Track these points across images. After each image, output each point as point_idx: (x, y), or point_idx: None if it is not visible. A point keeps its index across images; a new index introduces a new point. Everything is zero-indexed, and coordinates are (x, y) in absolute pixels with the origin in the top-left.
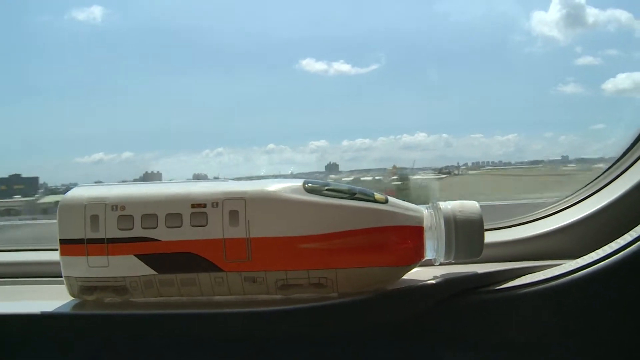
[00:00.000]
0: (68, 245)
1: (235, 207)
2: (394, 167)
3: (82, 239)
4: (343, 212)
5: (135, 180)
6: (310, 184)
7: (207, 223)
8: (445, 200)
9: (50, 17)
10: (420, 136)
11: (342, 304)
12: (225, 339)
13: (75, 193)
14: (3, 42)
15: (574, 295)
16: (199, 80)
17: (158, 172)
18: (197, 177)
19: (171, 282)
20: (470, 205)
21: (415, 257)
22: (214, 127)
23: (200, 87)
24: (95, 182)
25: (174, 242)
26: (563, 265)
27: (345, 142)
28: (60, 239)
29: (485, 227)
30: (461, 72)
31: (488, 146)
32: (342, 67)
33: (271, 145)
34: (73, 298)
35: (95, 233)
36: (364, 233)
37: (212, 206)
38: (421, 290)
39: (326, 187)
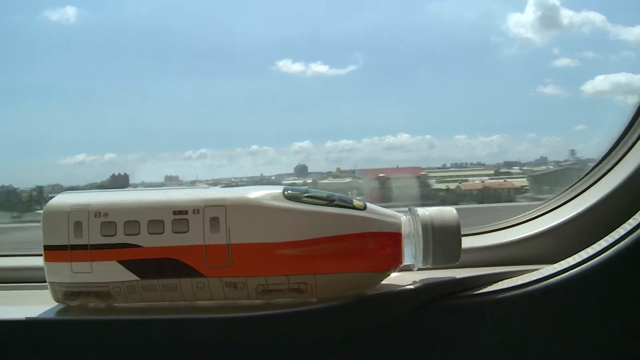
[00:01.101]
0: (52, 251)
1: (215, 214)
2: (338, 169)
3: (66, 245)
4: (322, 219)
5: (102, 182)
6: (289, 191)
7: (188, 230)
8: (424, 207)
9: (23, 17)
10: (404, 137)
11: (320, 310)
12: (206, 344)
13: (59, 200)
14: None
15: (551, 300)
16: (177, 81)
17: (125, 174)
18: (169, 179)
19: (153, 287)
20: (447, 212)
21: (394, 262)
22: (196, 128)
23: (179, 88)
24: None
25: (156, 249)
26: (540, 270)
27: (329, 143)
28: (44, 245)
29: (464, 233)
30: (440, 73)
31: (472, 147)
32: (320, 68)
33: (254, 147)
34: (57, 303)
35: (78, 239)
36: (342, 239)
37: (193, 213)
38: (400, 295)
39: (305, 195)
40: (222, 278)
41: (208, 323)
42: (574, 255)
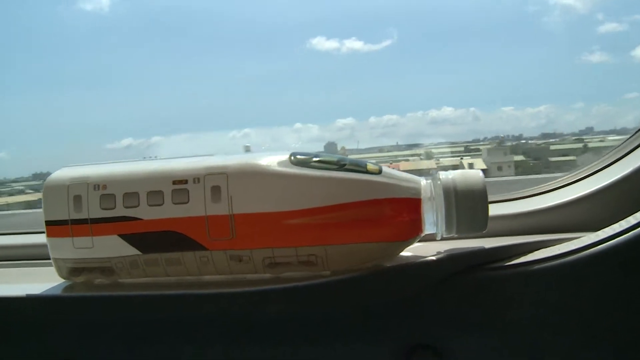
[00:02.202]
0: (53, 226)
1: (217, 182)
2: (343, 148)
3: (67, 220)
4: (331, 185)
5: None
6: (296, 156)
7: (188, 200)
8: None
9: (62, 7)
10: (448, 110)
11: (331, 282)
12: (212, 319)
13: (59, 174)
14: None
15: (595, 271)
16: (216, 62)
17: (156, 157)
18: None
19: (156, 262)
20: (472, 175)
21: (413, 231)
22: (239, 108)
23: (219, 69)
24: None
25: (156, 221)
26: (582, 238)
27: (372, 119)
28: (45, 221)
29: (495, 199)
30: (481, 45)
31: (518, 119)
32: (355, 44)
33: (298, 125)
34: (64, 280)
35: (78, 213)
36: (354, 207)
37: (194, 182)
38: (421, 267)
39: (314, 159)
40: (226, 251)
41: (212, 298)
42: (620, 222)
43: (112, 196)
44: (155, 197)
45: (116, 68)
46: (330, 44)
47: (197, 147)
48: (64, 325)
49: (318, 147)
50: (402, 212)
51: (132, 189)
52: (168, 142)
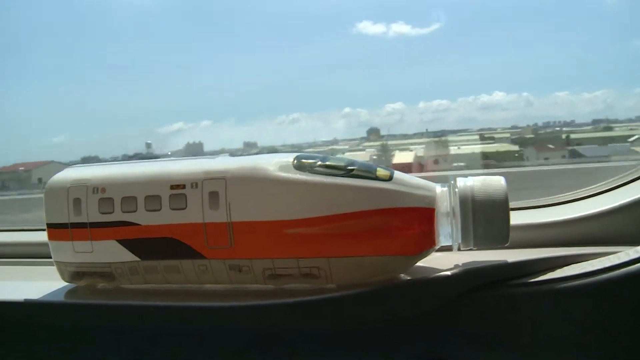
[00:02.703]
0: (54, 229)
1: (215, 187)
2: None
3: (67, 224)
4: (336, 192)
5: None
6: (300, 160)
7: (186, 206)
8: (466, 176)
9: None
10: (499, 95)
11: (338, 298)
12: (215, 332)
13: (61, 176)
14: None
15: (634, 291)
16: (264, 48)
17: (200, 142)
18: (248, 146)
19: (155, 269)
20: (492, 182)
21: (425, 244)
22: (288, 93)
23: (266, 55)
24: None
25: (153, 227)
26: (618, 253)
27: (421, 104)
28: (47, 223)
29: (519, 206)
30: (533, 27)
31: (573, 104)
32: (402, 28)
33: (347, 109)
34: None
35: (78, 217)
36: (360, 217)
37: (192, 187)
38: (435, 282)
39: (319, 163)
40: (224, 260)
41: (213, 311)
42: None
43: (111, 200)
44: (153, 202)
45: (167, 53)
46: (378, 28)
47: (245, 133)
48: (60, 331)
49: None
50: (413, 224)
51: (130, 193)
52: (217, 127)
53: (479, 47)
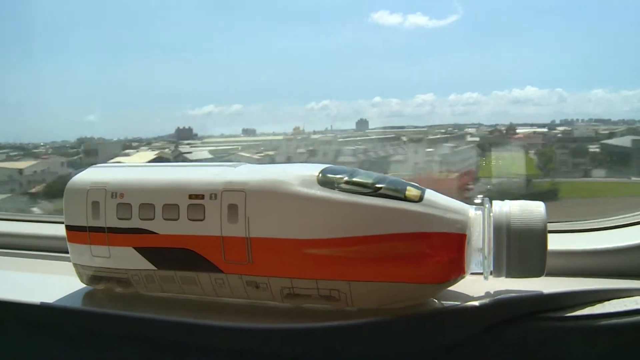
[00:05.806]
0: (73, 232)
1: (234, 200)
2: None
3: (85, 227)
4: (360, 213)
5: (169, 135)
6: (326, 174)
7: (204, 217)
8: (505, 199)
9: None
10: (531, 90)
11: (358, 325)
12: (229, 352)
13: (82, 177)
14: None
15: None
16: (295, 35)
17: (189, 127)
18: (246, 132)
19: (172, 279)
20: (532, 208)
21: (453, 272)
22: (318, 80)
23: (297, 41)
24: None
25: (170, 236)
26: None
27: (452, 96)
28: (66, 225)
29: (558, 229)
30: (567, 18)
31: (610, 102)
32: (419, 19)
33: (377, 99)
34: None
35: (96, 221)
36: (385, 240)
37: (211, 198)
38: (463, 312)
39: (345, 179)
40: (242, 276)
41: (229, 331)
42: None
43: (129, 206)
44: (171, 211)
45: (199, 36)
46: (394, 19)
47: (274, 118)
48: (75, 336)
49: (399, 121)
50: (441, 250)
51: (148, 200)
52: (248, 112)
53: (504, 41)
